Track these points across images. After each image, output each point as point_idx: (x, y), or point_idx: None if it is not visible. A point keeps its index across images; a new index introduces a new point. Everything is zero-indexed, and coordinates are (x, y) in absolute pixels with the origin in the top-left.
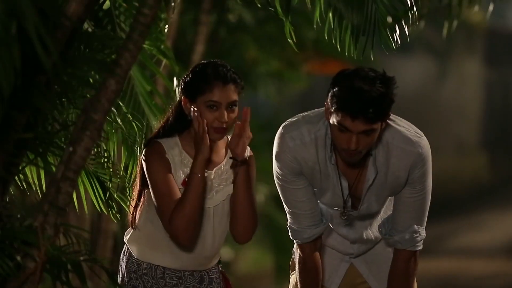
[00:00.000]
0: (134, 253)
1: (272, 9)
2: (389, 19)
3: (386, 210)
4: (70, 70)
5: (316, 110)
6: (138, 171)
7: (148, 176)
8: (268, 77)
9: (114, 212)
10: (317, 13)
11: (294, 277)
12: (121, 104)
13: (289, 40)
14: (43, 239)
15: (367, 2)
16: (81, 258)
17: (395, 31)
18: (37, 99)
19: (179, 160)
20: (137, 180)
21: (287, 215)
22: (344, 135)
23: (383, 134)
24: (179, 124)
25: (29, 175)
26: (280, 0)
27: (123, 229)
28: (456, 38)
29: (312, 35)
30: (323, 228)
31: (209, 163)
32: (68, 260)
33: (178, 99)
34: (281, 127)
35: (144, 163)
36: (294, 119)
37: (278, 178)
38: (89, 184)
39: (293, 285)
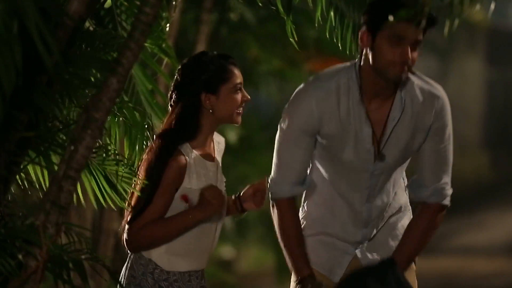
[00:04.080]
0: (164, 266)
1: (274, 7)
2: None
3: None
4: (71, 69)
5: (326, 69)
6: (144, 170)
7: (157, 180)
8: (270, 76)
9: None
10: (319, 12)
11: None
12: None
13: (290, 39)
14: (44, 237)
15: (368, 0)
16: (83, 256)
17: None
18: (38, 98)
19: (192, 162)
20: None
21: (273, 168)
22: (396, 50)
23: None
24: (184, 133)
25: (31, 174)
26: None
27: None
28: (457, 37)
29: (313, 33)
30: (303, 190)
31: (212, 155)
32: (70, 259)
33: (182, 105)
34: (301, 85)
35: (161, 168)
36: (311, 78)
37: (283, 134)
38: (93, 180)
39: (294, 282)
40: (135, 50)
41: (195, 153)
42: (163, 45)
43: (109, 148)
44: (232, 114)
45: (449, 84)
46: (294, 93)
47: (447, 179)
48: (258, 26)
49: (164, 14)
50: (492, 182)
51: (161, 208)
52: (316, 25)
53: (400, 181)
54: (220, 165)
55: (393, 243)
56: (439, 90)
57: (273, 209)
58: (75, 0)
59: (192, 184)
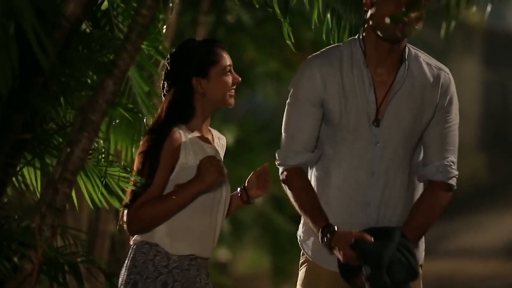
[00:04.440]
0: (167, 248)
1: (270, 9)
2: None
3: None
4: (68, 71)
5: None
6: (140, 158)
7: (151, 157)
8: (267, 78)
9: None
10: (315, 14)
11: (302, 272)
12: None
13: (287, 40)
14: (40, 240)
15: None
16: (79, 259)
17: None
18: (34, 100)
19: (188, 141)
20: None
21: (282, 139)
22: (391, 3)
23: (411, 50)
24: (178, 118)
25: (27, 176)
26: (278, 1)
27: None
28: (454, 39)
29: (310, 35)
30: (311, 157)
31: (209, 140)
32: (66, 262)
33: (174, 91)
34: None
35: (154, 144)
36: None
37: (289, 105)
38: (89, 182)
39: (301, 280)
40: (131, 52)
41: (191, 134)
42: (160, 47)
43: (104, 149)
44: (224, 96)
45: None
46: (300, 67)
47: (452, 158)
48: (255, 28)
49: (161, 16)
50: (489, 184)
51: (159, 186)
52: (313, 27)
53: (416, 181)
54: (222, 159)
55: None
56: (445, 67)
57: (283, 180)
58: (72, 2)
59: (188, 160)
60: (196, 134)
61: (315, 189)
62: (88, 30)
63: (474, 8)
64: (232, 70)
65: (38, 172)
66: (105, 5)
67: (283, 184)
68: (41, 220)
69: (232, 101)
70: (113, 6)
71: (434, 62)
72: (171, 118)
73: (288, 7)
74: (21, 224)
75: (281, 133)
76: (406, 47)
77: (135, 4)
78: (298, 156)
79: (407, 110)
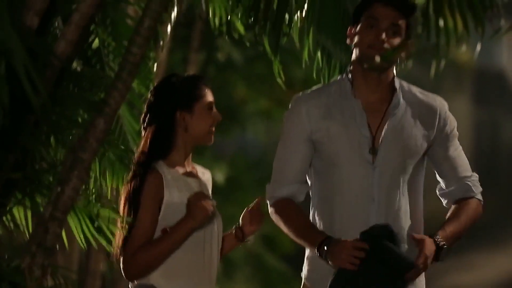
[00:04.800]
0: None
1: (261, 48)
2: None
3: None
4: (58, 109)
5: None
6: (124, 198)
7: (136, 201)
8: (257, 116)
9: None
10: (306, 52)
11: None
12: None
13: (278, 79)
14: (30, 280)
15: None
16: None
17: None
18: (25, 139)
19: (170, 178)
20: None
21: (272, 176)
22: (372, 31)
23: (403, 82)
24: (159, 152)
25: (17, 216)
26: (269, 39)
27: (111, 269)
28: (444, 77)
29: (300, 74)
30: (302, 188)
31: (193, 174)
32: None
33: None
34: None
35: (137, 186)
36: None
37: (280, 141)
38: (77, 222)
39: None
40: (122, 90)
41: (172, 170)
42: (151, 85)
43: (94, 190)
44: (206, 132)
45: None
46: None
47: (473, 176)
48: (246, 66)
49: (151, 54)
50: (481, 222)
51: (147, 226)
52: (303, 65)
53: (418, 211)
54: (210, 193)
55: None
56: (437, 95)
57: (272, 212)
58: (63, 41)
59: (173, 197)
60: (177, 169)
61: (317, 220)
62: (79, 69)
63: (464, 47)
64: (214, 107)
65: (29, 211)
66: (96, 43)
67: (273, 217)
68: (31, 260)
69: (210, 139)
70: (104, 44)
71: (427, 92)
72: (152, 154)
73: (278, 45)
74: (11, 264)
75: (272, 171)
76: (396, 79)
77: (125, 43)
78: (286, 188)
79: (404, 136)
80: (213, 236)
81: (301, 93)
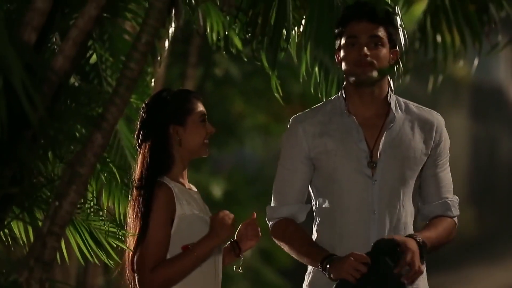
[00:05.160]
0: None
1: (259, 63)
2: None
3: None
4: (56, 125)
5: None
6: (133, 213)
7: (149, 216)
8: (255, 131)
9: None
10: (303, 67)
11: None
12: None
13: (275, 94)
14: None
15: None
16: None
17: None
18: (23, 154)
19: (177, 191)
20: (135, 223)
21: (272, 197)
22: (354, 49)
23: (399, 98)
24: (161, 167)
25: (15, 230)
26: (266, 54)
27: (109, 283)
28: (441, 92)
29: (298, 89)
30: (302, 208)
31: (191, 187)
32: None
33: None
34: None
35: (147, 201)
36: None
37: (279, 163)
38: (78, 236)
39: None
40: (120, 105)
41: (177, 184)
42: (148, 99)
43: (93, 203)
44: (200, 145)
45: None
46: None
47: (451, 195)
48: (243, 81)
49: (149, 69)
50: (478, 237)
51: (162, 241)
52: (301, 80)
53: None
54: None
55: None
56: (434, 111)
57: (273, 235)
58: (60, 56)
59: (185, 210)
60: (179, 183)
61: (319, 236)
62: (76, 84)
63: (461, 62)
64: (207, 120)
65: (27, 226)
66: (93, 59)
67: (275, 238)
68: (29, 274)
69: (205, 151)
70: (102, 60)
71: (423, 107)
72: (154, 170)
73: (276, 60)
74: (9, 278)
75: (270, 186)
76: (392, 95)
77: (123, 58)
78: (286, 208)
79: (402, 148)
80: (220, 248)
81: (297, 114)
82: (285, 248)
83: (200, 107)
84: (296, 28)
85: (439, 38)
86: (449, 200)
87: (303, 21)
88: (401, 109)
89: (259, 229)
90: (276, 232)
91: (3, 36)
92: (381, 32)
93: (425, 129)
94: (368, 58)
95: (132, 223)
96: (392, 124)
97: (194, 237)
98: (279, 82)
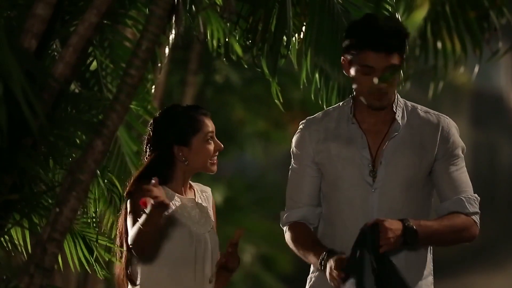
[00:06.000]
0: None
1: (259, 69)
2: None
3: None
4: (56, 131)
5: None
6: (121, 224)
7: (133, 213)
8: (255, 137)
9: (100, 270)
10: (304, 74)
11: None
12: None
13: (276, 100)
14: None
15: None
16: None
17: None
18: (23, 160)
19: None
20: (121, 234)
21: (286, 201)
22: (369, 77)
23: (407, 102)
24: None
25: (15, 236)
26: (267, 61)
27: None
28: (442, 99)
29: (298, 95)
30: (314, 211)
31: (188, 193)
32: None
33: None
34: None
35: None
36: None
37: (291, 169)
38: (72, 245)
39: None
40: (120, 112)
41: (167, 188)
42: (149, 107)
43: (89, 214)
44: (206, 164)
45: None
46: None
47: (472, 195)
48: (244, 88)
49: (149, 76)
50: (478, 245)
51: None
52: (301, 86)
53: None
54: (211, 213)
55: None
56: (441, 114)
57: (287, 239)
58: (61, 63)
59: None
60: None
61: (323, 243)
62: (77, 91)
63: (461, 69)
64: (215, 137)
65: (27, 232)
66: (94, 65)
67: (288, 243)
68: (29, 281)
69: (214, 168)
70: (102, 66)
71: (432, 111)
72: (146, 178)
73: (276, 67)
74: (9, 284)
75: (270, 192)
76: (400, 100)
77: (123, 65)
78: (296, 212)
79: (404, 157)
80: (206, 254)
81: (308, 117)
82: (294, 250)
83: (207, 125)
84: (296, 34)
85: (439, 45)
86: (463, 196)
87: (303, 28)
88: (408, 115)
89: (238, 257)
90: (288, 237)
91: (3, 43)
92: (396, 59)
93: (430, 134)
94: (383, 90)
95: (119, 234)
96: (396, 134)
97: (172, 243)
98: (279, 89)
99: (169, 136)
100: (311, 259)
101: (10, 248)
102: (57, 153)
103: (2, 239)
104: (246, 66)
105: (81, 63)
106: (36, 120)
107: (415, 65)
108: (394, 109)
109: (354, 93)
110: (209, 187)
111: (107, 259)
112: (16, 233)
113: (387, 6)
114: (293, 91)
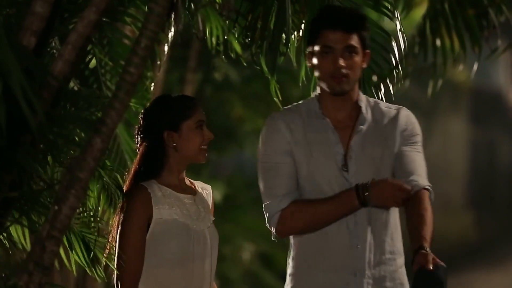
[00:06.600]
0: None
1: (258, 67)
2: (375, 78)
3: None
4: (56, 129)
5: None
6: (116, 222)
7: (125, 218)
8: (254, 135)
9: (99, 271)
10: (303, 71)
11: None
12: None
13: (274, 98)
14: None
15: None
16: None
17: (380, 90)
18: (22, 158)
19: (161, 195)
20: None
21: (264, 197)
22: (328, 58)
23: (369, 99)
24: (150, 171)
25: (14, 234)
26: (266, 59)
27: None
28: (441, 96)
29: (297, 93)
30: (294, 196)
31: (187, 189)
32: None
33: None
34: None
35: (126, 207)
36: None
37: (260, 162)
38: (75, 243)
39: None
40: (119, 109)
41: (163, 187)
42: (148, 104)
43: (90, 213)
44: (196, 151)
45: (433, 143)
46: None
47: (416, 177)
48: (243, 86)
49: (148, 73)
50: (477, 242)
51: (136, 245)
52: (300, 84)
53: (395, 224)
54: (211, 208)
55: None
56: (404, 108)
57: (284, 225)
58: (60, 60)
59: (162, 215)
60: (170, 186)
61: (301, 237)
62: (76, 88)
63: (460, 67)
64: (205, 127)
65: (26, 230)
66: (93, 63)
67: (288, 225)
68: (28, 278)
69: (203, 157)
70: (101, 64)
71: (393, 105)
72: (143, 173)
73: (275, 64)
74: (8, 282)
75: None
76: (362, 96)
77: (123, 62)
78: (286, 197)
79: (370, 149)
80: (206, 252)
81: (273, 112)
82: (312, 218)
83: (198, 113)
84: (295, 32)
85: (438, 43)
86: (413, 178)
87: (302, 26)
88: (371, 110)
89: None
90: (288, 217)
91: (2, 40)
92: (355, 40)
93: (390, 126)
94: (343, 70)
95: (114, 232)
96: (361, 127)
97: (170, 243)
98: (278, 87)
99: (159, 122)
100: (341, 206)
101: (9, 246)
102: (56, 151)
103: (1, 237)
104: (245, 64)
105: (80, 61)
106: (35, 118)
107: (414, 62)
108: (359, 103)
109: (318, 82)
110: (208, 184)
111: (103, 260)
112: (15, 231)
113: (386, 4)
114: (292, 89)
